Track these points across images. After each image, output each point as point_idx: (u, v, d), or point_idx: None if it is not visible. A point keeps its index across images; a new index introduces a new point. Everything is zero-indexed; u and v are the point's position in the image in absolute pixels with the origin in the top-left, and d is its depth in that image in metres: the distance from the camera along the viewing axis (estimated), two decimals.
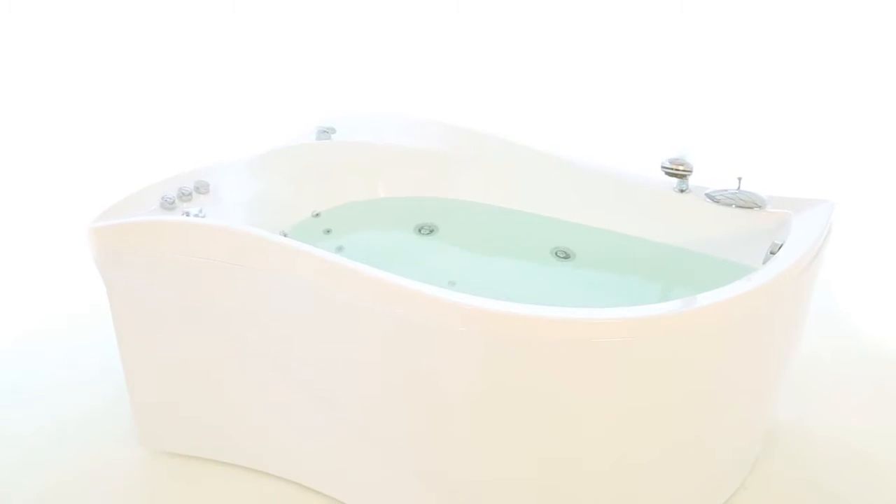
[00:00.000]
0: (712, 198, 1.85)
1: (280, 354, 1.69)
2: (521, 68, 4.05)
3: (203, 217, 1.73)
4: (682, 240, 1.89)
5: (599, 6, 4.16)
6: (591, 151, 2.04)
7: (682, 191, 1.90)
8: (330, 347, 1.61)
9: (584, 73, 4.03)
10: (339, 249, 2.04)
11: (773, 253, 1.64)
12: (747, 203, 1.80)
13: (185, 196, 1.81)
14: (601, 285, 1.95)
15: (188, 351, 1.78)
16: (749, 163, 3.24)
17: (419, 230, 2.14)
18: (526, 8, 4.15)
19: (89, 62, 3.87)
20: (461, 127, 2.20)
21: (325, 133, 2.17)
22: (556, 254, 2.03)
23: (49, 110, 3.73)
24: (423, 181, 2.19)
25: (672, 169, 1.72)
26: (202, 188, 1.85)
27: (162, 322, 1.77)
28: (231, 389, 1.78)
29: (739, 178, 1.83)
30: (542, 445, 1.50)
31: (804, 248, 1.60)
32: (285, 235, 1.97)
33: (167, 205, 1.77)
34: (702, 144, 3.26)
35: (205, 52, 3.98)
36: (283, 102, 3.77)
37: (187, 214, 1.74)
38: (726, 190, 1.83)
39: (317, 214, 2.08)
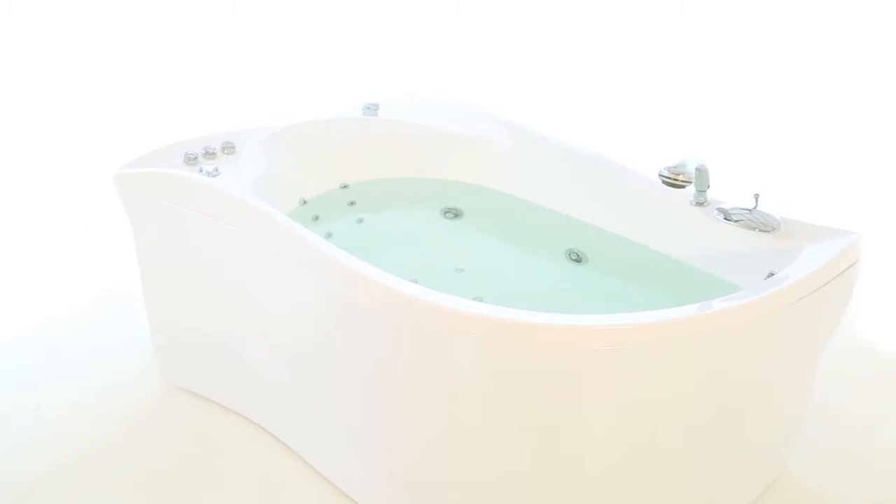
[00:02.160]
0: (724, 214, 1.70)
1: (272, 331, 1.77)
2: (571, 70, 4.02)
3: (216, 175, 1.85)
4: (689, 255, 1.76)
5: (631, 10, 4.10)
6: (618, 153, 1.93)
7: (699, 203, 1.76)
8: (314, 335, 1.65)
9: (620, 77, 3.96)
10: (360, 221, 2.09)
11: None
12: (760, 225, 1.64)
13: (209, 154, 1.93)
14: (603, 291, 1.87)
15: (195, 297, 1.91)
16: (788, 177, 3.10)
17: (445, 213, 2.14)
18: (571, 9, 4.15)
19: (161, 32, 4.12)
20: (502, 117, 2.16)
21: (371, 109, 2.22)
22: (569, 255, 1.96)
23: (122, 80, 3.96)
24: (458, 166, 2.18)
25: (670, 179, 1.59)
26: (228, 149, 1.96)
27: (174, 266, 1.91)
28: (229, 340, 1.90)
29: (756, 196, 1.66)
30: (541, 452, 1.46)
31: (795, 278, 1.44)
32: (305, 203, 2.05)
33: (190, 160, 1.90)
34: (734, 152, 3.14)
35: (275, 27, 4.16)
36: (339, 78, 3.89)
37: (201, 171, 1.86)
38: (741, 208, 1.68)
39: (345, 186, 2.14)
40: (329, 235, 2.03)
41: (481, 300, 1.84)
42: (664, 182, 1.58)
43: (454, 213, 2.14)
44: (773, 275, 1.52)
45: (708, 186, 1.73)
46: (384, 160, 2.19)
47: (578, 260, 1.95)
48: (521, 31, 4.16)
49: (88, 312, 2.41)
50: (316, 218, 2.03)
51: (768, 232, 1.63)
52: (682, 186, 1.59)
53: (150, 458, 1.89)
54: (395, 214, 2.16)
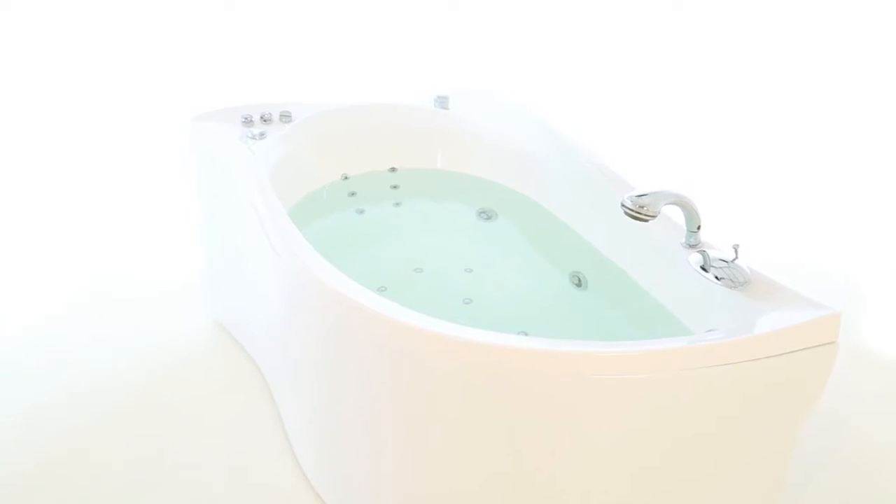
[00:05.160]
0: (704, 261, 1.53)
1: (269, 305, 1.79)
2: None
3: (262, 139, 2.01)
4: (668, 298, 1.62)
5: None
6: (646, 180, 1.80)
7: (690, 246, 1.60)
8: (295, 331, 1.64)
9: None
10: (397, 205, 2.16)
11: None
12: (733, 282, 1.47)
13: (265, 120, 2.11)
14: (592, 319, 1.78)
15: (233, 247, 2.09)
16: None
17: (480, 213, 2.14)
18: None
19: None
20: (557, 128, 2.09)
21: (441, 101, 2.27)
22: (572, 278, 1.88)
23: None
24: (506, 171, 2.16)
25: (632, 211, 1.46)
26: (284, 117, 2.12)
27: (221, 213, 2.11)
28: (252, 297, 2.04)
29: (736, 247, 1.48)
30: (513, 474, 1.42)
31: (719, 340, 1.29)
32: (346, 178, 2.16)
33: (247, 122, 2.09)
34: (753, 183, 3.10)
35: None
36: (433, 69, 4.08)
37: (251, 133, 2.03)
38: (720, 258, 1.51)
39: (393, 169, 2.21)
40: (361, 212, 2.13)
41: (470, 302, 1.87)
42: (626, 213, 1.47)
43: (488, 215, 2.14)
44: (712, 331, 1.37)
45: (698, 227, 1.57)
46: (438, 151, 2.23)
47: (579, 284, 1.87)
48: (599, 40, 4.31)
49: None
50: (353, 194, 2.14)
51: (736, 288, 1.46)
52: (646, 220, 1.47)
53: (163, 386, 2.09)
54: (432, 205, 2.20)
